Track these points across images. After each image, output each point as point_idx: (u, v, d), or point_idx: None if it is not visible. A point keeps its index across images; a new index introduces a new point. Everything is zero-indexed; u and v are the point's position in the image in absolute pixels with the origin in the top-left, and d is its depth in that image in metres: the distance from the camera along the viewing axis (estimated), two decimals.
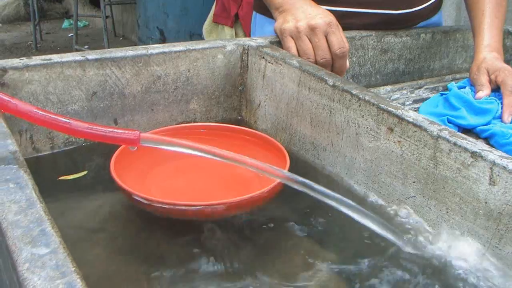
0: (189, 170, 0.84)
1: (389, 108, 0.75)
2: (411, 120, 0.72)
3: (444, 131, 0.69)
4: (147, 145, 0.63)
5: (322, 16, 1.02)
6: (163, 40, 3.80)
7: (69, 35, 6.28)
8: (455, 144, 0.68)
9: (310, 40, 1.01)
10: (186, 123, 0.98)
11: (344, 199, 0.64)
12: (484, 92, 1.09)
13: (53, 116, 0.60)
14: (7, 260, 0.44)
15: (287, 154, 0.77)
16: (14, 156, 0.55)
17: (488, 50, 1.19)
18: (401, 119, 0.73)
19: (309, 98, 0.87)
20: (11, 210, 0.46)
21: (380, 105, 0.76)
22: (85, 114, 0.89)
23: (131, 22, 5.87)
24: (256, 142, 0.84)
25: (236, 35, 2.95)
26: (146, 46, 0.94)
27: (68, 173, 0.85)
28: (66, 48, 5.67)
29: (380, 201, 0.77)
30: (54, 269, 0.39)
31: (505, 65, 1.14)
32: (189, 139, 0.64)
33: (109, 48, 4.36)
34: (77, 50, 4.94)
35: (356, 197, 0.79)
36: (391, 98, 1.16)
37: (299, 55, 1.00)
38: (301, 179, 0.65)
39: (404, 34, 1.27)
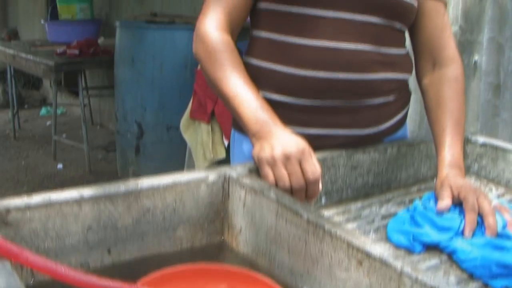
0: None
1: (358, 244, 0.84)
2: (377, 255, 0.81)
3: (406, 267, 0.79)
4: None
5: (296, 144, 1.12)
6: (141, 133, 3.91)
7: (47, 123, 6.38)
8: (416, 279, 0.77)
9: (285, 167, 1.10)
10: (173, 249, 1.06)
11: None
12: (444, 203, 1.19)
13: (60, 269, 0.68)
14: None
15: None
16: None
17: (450, 167, 1.30)
18: (368, 254, 0.82)
19: (286, 229, 0.96)
20: None
21: (349, 240, 0.85)
22: (81, 246, 0.97)
23: (108, 111, 6.00)
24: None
25: (212, 130, 3.07)
26: (136, 180, 1.03)
27: None
28: (44, 138, 5.76)
29: None
30: None
31: (467, 182, 1.25)
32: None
33: (87, 137, 4.45)
34: (55, 141, 5.03)
35: None
36: (362, 215, 1.25)
37: (275, 181, 1.10)
38: None
39: (372, 150, 1.38)
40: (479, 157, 1.58)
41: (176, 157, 3.69)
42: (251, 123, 1.19)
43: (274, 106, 1.25)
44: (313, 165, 1.11)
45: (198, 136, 3.11)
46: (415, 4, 1.41)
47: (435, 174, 1.35)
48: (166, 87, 3.84)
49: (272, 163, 1.11)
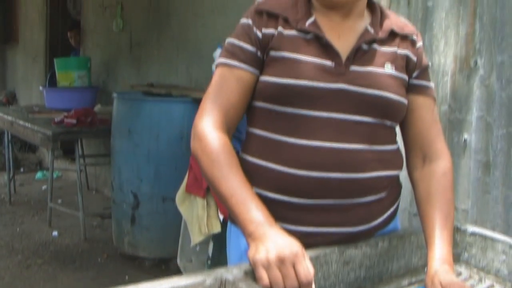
0: None
1: None
2: None
3: None
4: None
5: (290, 247, 1.17)
6: (136, 204, 3.95)
7: (43, 187, 6.39)
8: None
9: (279, 270, 1.15)
10: None
11: None
12: None
13: None
14: None
15: None
16: None
17: (439, 263, 1.34)
18: None
19: None
20: None
21: None
22: None
23: (104, 176, 6.03)
24: None
25: (208, 204, 3.10)
26: (136, 285, 1.06)
27: None
28: (40, 203, 5.77)
29: None
30: None
31: (455, 279, 1.30)
32: None
33: (83, 205, 4.47)
34: (51, 209, 5.05)
35: None
36: None
37: (270, 284, 1.14)
38: None
39: (364, 245, 1.42)
40: (469, 246, 1.61)
41: (172, 228, 3.71)
42: (246, 224, 1.24)
43: (268, 203, 1.30)
44: (306, 268, 1.15)
45: (193, 210, 3.14)
46: (405, 101, 1.47)
47: (425, 264, 1.40)
48: (162, 159, 3.89)
49: (267, 266, 1.15)
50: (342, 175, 1.38)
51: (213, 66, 3.71)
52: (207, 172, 1.35)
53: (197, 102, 3.77)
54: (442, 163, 1.51)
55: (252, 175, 1.40)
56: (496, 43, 2.44)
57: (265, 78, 1.41)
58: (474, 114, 2.55)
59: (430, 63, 2.52)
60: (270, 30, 1.43)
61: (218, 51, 3.76)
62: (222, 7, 4.29)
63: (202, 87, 4.32)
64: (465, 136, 2.59)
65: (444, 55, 2.64)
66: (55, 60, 6.18)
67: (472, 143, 2.56)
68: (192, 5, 4.70)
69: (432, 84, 1.57)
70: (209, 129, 1.39)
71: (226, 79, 1.43)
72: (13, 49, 9.53)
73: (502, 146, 2.44)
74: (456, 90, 2.61)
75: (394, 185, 1.52)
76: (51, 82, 6.22)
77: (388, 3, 2.81)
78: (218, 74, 1.45)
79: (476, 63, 2.53)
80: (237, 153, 2.04)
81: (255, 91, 1.44)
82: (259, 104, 1.44)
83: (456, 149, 2.58)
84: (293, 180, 1.38)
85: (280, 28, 1.42)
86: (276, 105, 1.41)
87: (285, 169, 1.39)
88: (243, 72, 1.42)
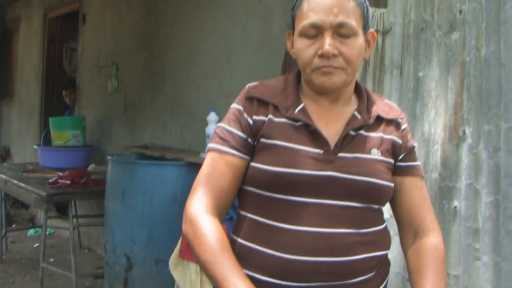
0: None
1: None
2: None
3: None
4: None
5: None
6: (129, 266, 3.94)
7: (35, 245, 6.35)
8: None
9: None
10: None
11: None
12: None
13: None
14: None
15: None
16: None
17: None
18: None
19: None
20: None
21: None
22: None
23: (96, 234, 6.02)
24: None
25: (201, 270, 3.09)
26: None
27: None
28: (32, 261, 5.72)
29: None
30: None
31: None
32: None
33: (75, 266, 4.44)
34: (43, 268, 5.01)
35: None
36: None
37: None
38: None
39: None
40: None
41: None
42: None
43: (259, 286, 1.34)
44: None
45: (186, 275, 3.14)
46: (392, 185, 1.51)
47: None
48: (156, 222, 3.90)
49: None
50: (331, 259, 1.41)
51: (206, 129, 3.79)
52: (199, 255, 1.38)
53: (190, 165, 3.83)
54: (432, 238, 1.55)
55: (243, 257, 1.43)
56: (483, 113, 2.50)
57: (256, 165, 1.45)
58: (463, 182, 2.59)
59: (417, 143, 2.58)
60: (260, 117, 1.47)
61: (211, 115, 3.82)
62: (215, 71, 4.35)
63: (196, 149, 4.37)
64: (455, 203, 2.62)
65: (434, 124, 2.70)
66: (50, 119, 6.22)
67: (462, 210, 2.59)
68: (186, 69, 4.77)
69: (419, 163, 1.61)
70: (201, 213, 1.42)
71: (217, 164, 1.47)
72: (9, 105, 9.58)
73: (491, 213, 2.47)
74: (446, 159, 2.66)
75: (382, 264, 1.55)
76: (46, 139, 6.24)
77: (382, 73, 2.88)
78: (209, 159, 1.49)
79: (464, 132, 2.58)
80: (231, 218, 2.08)
81: (246, 177, 1.48)
82: (250, 189, 1.48)
83: (447, 216, 2.61)
84: (283, 264, 1.41)
85: (270, 116, 1.47)
86: (266, 191, 1.44)
87: (276, 253, 1.42)
88: (233, 158, 1.46)
